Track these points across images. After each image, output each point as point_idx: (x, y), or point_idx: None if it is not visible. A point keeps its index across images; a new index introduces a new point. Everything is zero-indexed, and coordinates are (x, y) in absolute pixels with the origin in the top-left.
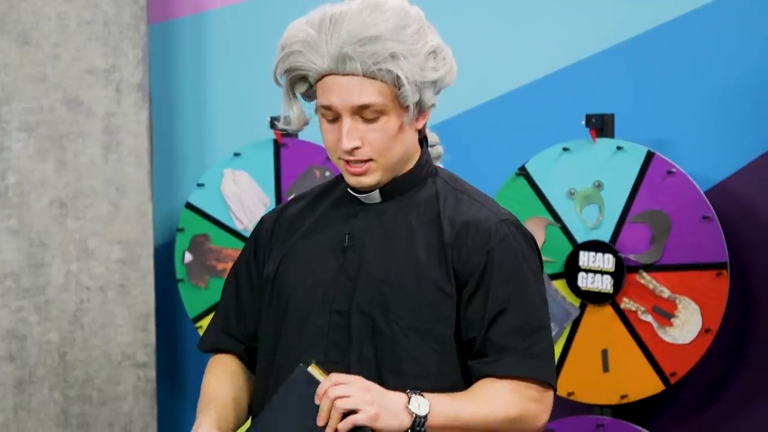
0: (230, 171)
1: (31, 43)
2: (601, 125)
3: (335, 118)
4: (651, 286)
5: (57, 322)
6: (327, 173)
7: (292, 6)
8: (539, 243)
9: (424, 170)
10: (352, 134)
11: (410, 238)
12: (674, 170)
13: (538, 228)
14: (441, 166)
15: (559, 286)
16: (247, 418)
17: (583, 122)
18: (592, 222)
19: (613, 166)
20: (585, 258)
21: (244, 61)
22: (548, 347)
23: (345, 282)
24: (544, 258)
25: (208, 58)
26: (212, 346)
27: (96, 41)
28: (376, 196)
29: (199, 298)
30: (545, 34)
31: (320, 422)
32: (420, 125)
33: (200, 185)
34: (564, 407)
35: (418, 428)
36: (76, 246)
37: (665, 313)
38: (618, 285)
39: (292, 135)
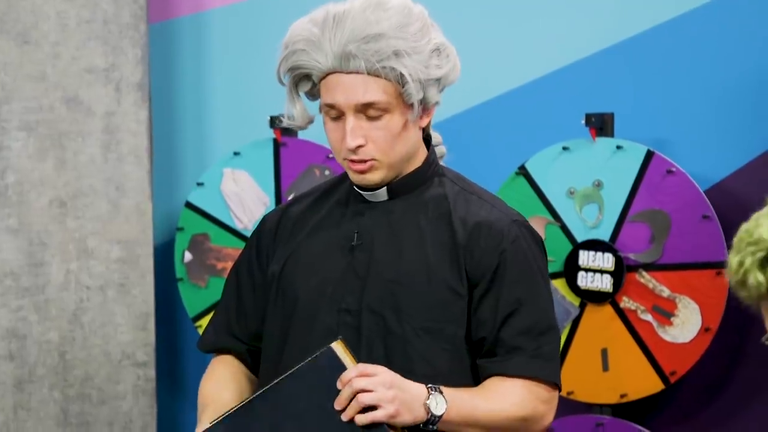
0: (230, 170)
1: (30, 42)
2: (600, 124)
3: (339, 116)
4: (651, 286)
5: (56, 322)
6: (327, 172)
7: (292, 5)
8: None
9: (431, 169)
10: (355, 132)
11: (420, 238)
12: (674, 169)
13: (537, 227)
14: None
15: (559, 285)
16: None
17: (583, 121)
18: (592, 221)
19: (612, 166)
20: (585, 257)
21: (244, 60)
22: (557, 348)
23: (353, 281)
24: None
25: (207, 57)
26: (212, 345)
27: (96, 40)
28: (383, 194)
29: (199, 297)
30: (545, 33)
31: (338, 407)
32: (424, 123)
33: (200, 184)
34: (564, 406)
35: (430, 426)
36: (75, 245)
37: (665, 313)
38: (618, 284)
39: (292, 134)
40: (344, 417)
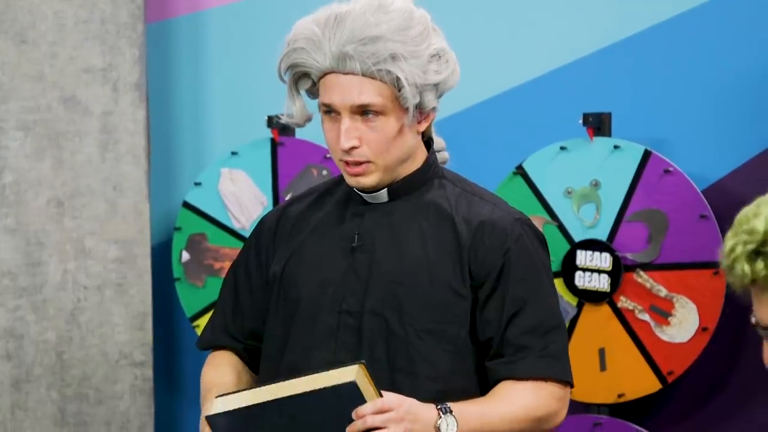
0: (227, 170)
1: (28, 41)
2: (598, 124)
3: (336, 116)
4: (648, 285)
5: (54, 321)
6: (324, 172)
7: (290, 5)
8: None
9: (431, 170)
10: (350, 133)
11: (421, 239)
12: (671, 169)
13: None
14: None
15: (556, 285)
16: None
17: (580, 121)
18: (589, 221)
19: (610, 165)
20: (582, 257)
21: (242, 60)
22: (565, 345)
23: (354, 282)
24: None
25: (205, 57)
26: (210, 343)
27: (93, 40)
28: (383, 196)
29: (197, 297)
30: (542, 33)
31: None
32: (423, 128)
33: (197, 184)
34: None
35: None
36: (73, 245)
37: (662, 312)
38: (615, 284)
39: (290, 134)
40: None
